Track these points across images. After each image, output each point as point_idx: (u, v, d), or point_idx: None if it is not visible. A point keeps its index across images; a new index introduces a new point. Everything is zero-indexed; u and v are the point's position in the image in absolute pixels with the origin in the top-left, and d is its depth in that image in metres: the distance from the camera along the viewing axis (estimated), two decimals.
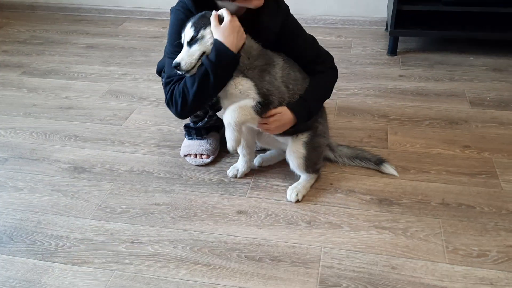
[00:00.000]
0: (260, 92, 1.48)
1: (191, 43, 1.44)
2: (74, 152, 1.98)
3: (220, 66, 1.43)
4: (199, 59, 1.45)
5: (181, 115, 1.57)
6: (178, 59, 1.44)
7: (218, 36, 1.42)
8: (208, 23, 1.44)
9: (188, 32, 1.44)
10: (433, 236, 1.50)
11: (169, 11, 1.61)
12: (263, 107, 1.50)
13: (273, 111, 1.53)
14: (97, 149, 1.99)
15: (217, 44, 1.42)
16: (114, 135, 2.08)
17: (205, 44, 1.44)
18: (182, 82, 1.51)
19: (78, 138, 2.07)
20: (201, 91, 1.48)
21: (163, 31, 3.24)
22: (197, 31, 1.43)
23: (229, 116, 1.49)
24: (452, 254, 1.43)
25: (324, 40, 3.02)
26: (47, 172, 1.86)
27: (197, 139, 1.89)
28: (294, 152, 1.64)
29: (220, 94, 1.53)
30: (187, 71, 1.45)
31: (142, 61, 2.83)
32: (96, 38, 3.21)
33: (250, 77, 1.48)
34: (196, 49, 1.44)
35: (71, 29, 3.38)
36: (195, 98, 1.49)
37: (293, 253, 1.46)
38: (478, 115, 2.15)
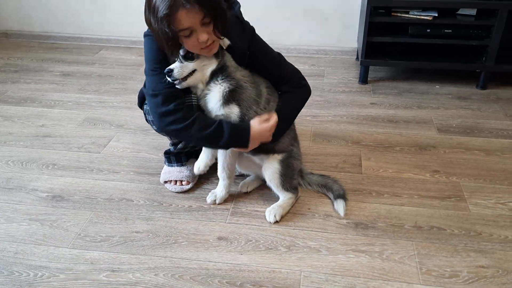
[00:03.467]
0: (241, 118, 1.57)
1: (186, 58, 1.50)
2: (52, 180, 1.96)
3: (234, 141, 1.57)
4: (190, 73, 1.52)
5: (162, 132, 1.69)
6: (171, 66, 1.50)
7: (256, 124, 1.55)
8: None
9: (183, 49, 1.50)
10: (407, 258, 1.56)
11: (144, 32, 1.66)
12: None
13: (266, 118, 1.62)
14: (76, 177, 1.99)
15: (247, 128, 1.55)
16: (92, 163, 2.08)
17: (200, 64, 1.52)
18: (193, 117, 1.53)
19: (55, 167, 2.06)
20: (203, 140, 1.59)
21: (140, 59, 3.28)
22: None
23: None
24: (425, 275, 1.49)
25: (298, 68, 3.11)
26: (25, 201, 1.84)
27: (177, 165, 1.91)
28: (269, 168, 1.72)
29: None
30: (176, 80, 1.51)
31: (119, 89, 2.86)
32: (72, 66, 3.21)
33: (241, 106, 1.56)
34: (190, 65, 1.51)
35: (46, 57, 3.38)
36: (192, 139, 1.59)
37: (273, 278, 1.48)
38: (445, 141, 2.26)
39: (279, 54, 1.76)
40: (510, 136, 2.29)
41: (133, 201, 1.84)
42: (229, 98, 1.54)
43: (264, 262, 1.54)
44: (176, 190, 1.88)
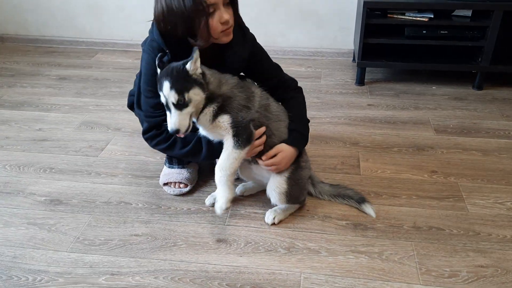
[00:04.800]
0: (234, 123, 1.52)
1: (179, 106, 1.43)
2: (49, 184, 1.96)
3: (213, 154, 1.62)
4: (190, 117, 1.47)
5: (155, 149, 1.73)
6: (174, 126, 1.43)
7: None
8: (191, 85, 1.43)
9: (171, 95, 1.41)
10: (406, 258, 1.56)
11: (141, 42, 1.67)
12: (244, 140, 1.53)
13: (272, 151, 1.62)
14: (74, 181, 1.98)
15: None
16: (90, 167, 2.08)
17: (194, 105, 1.45)
18: (172, 138, 1.65)
19: (53, 170, 2.05)
20: (187, 156, 1.69)
21: (137, 63, 3.28)
22: (181, 94, 1.41)
23: (219, 173, 1.54)
24: (425, 276, 1.49)
25: (294, 70, 3.13)
26: (22, 205, 1.83)
27: (178, 167, 1.91)
28: (276, 188, 1.67)
29: (198, 125, 1.58)
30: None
31: (116, 92, 2.85)
32: (68, 70, 3.21)
33: (229, 111, 1.53)
34: (188, 112, 1.44)
35: (42, 61, 3.37)
36: (177, 155, 1.74)
37: (273, 279, 1.48)
38: (443, 141, 2.27)
39: (277, 63, 1.80)
40: (507, 136, 2.31)
41: (131, 204, 1.84)
42: (217, 112, 1.51)
43: (264, 264, 1.54)
44: (175, 193, 1.88)
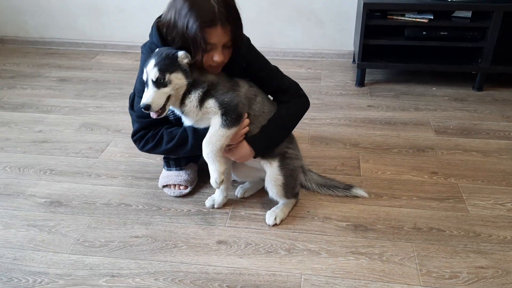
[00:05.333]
0: (222, 104, 1.52)
1: (157, 84, 1.44)
2: (49, 186, 1.96)
3: (200, 144, 1.57)
4: (166, 100, 1.48)
5: (144, 152, 1.73)
6: (147, 100, 1.44)
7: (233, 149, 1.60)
8: (176, 68, 1.45)
9: (152, 72, 1.44)
10: (407, 259, 1.56)
11: (141, 44, 1.68)
12: (232, 119, 1.53)
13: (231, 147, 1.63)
14: (74, 182, 1.98)
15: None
16: (90, 168, 2.08)
17: (174, 89, 1.47)
18: (159, 133, 1.65)
19: (53, 172, 2.05)
20: (173, 151, 1.68)
21: (137, 64, 3.28)
22: (163, 73, 1.43)
23: (206, 149, 1.54)
24: (426, 277, 1.49)
25: (294, 72, 3.13)
26: (22, 207, 1.83)
27: (176, 169, 1.91)
28: (272, 180, 1.69)
29: (183, 117, 1.60)
30: (154, 112, 1.48)
31: (116, 94, 2.85)
32: (68, 72, 3.21)
33: (215, 95, 1.53)
34: (164, 92, 1.46)
35: (42, 63, 3.38)
36: (165, 152, 1.72)
37: (274, 281, 1.48)
38: (443, 142, 2.27)
39: (275, 66, 1.77)
40: (507, 137, 2.31)
41: (131, 205, 1.84)
42: (203, 98, 1.52)
43: (264, 266, 1.54)
44: (175, 195, 1.88)
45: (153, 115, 1.49)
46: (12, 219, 1.76)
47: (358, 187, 1.87)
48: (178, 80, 1.47)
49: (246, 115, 1.59)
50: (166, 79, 1.45)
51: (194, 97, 1.52)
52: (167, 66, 1.45)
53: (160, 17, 1.59)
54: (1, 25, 3.71)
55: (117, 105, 2.69)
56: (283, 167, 1.69)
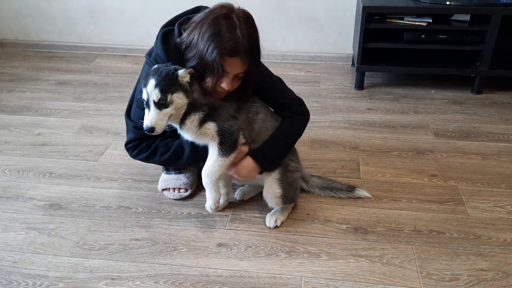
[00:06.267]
0: (220, 130, 1.53)
1: (159, 105, 1.43)
2: (49, 189, 1.95)
3: (197, 156, 1.62)
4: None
5: (136, 159, 1.74)
6: (150, 123, 1.43)
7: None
8: (177, 88, 1.44)
9: (153, 93, 1.42)
10: (407, 262, 1.56)
11: (141, 47, 1.67)
12: (227, 147, 1.54)
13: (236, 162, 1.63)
14: (73, 185, 1.98)
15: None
16: (90, 171, 2.08)
17: (175, 108, 1.46)
18: (154, 145, 1.68)
19: (53, 175, 2.05)
20: (167, 162, 1.73)
21: (136, 67, 3.28)
22: (164, 94, 1.42)
23: (205, 179, 1.59)
24: (426, 279, 1.49)
25: (294, 75, 3.14)
26: (22, 210, 1.83)
27: (175, 173, 1.91)
28: (270, 193, 1.68)
29: (182, 132, 1.59)
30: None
31: (116, 97, 2.85)
32: (68, 75, 3.21)
33: (216, 119, 1.53)
34: (167, 113, 1.45)
35: (42, 66, 3.38)
36: (158, 163, 1.74)
37: (274, 283, 1.48)
38: (442, 145, 2.27)
39: (279, 78, 1.76)
40: (506, 140, 2.31)
41: (131, 208, 1.83)
42: (204, 119, 1.52)
43: (265, 268, 1.54)
44: (175, 197, 1.88)
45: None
46: (11, 222, 1.76)
47: (361, 188, 1.87)
48: (179, 100, 1.46)
49: (243, 140, 1.60)
50: (168, 99, 1.43)
51: (195, 119, 1.52)
52: (168, 86, 1.42)
53: (165, 26, 1.61)
54: (1, 28, 3.71)
55: (117, 108, 2.69)
56: (282, 180, 1.68)
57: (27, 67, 3.35)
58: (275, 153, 1.67)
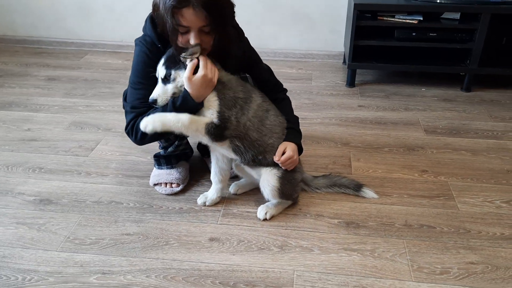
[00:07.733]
0: (220, 114, 1.54)
1: (164, 81, 1.55)
2: (39, 184, 1.93)
3: (184, 102, 1.55)
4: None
5: (139, 143, 1.69)
6: (154, 95, 1.55)
7: (188, 87, 1.52)
8: (180, 66, 1.53)
9: (161, 70, 1.55)
10: (398, 256, 1.57)
11: (132, 43, 1.69)
12: (216, 131, 1.55)
13: (280, 149, 1.66)
14: (63, 180, 1.96)
15: (184, 94, 1.53)
16: (80, 167, 2.06)
17: (177, 86, 1.55)
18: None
19: (42, 170, 2.03)
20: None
21: (127, 64, 3.27)
22: (169, 70, 1.53)
23: (156, 121, 1.53)
24: (417, 272, 1.50)
25: (286, 72, 3.14)
26: (11, 205, 1.80)
27: (167, 168, 1.90)
28: (267, 185, 1.68)
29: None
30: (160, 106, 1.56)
31: (106, 93, 2.83)
32: (57, 71, 3.18)
33: (221, 99, 1.55)
34: (170, 87, 1.55)
35: (31, 62, 3.34)
36: (156, 135, 1.64)
37: (266, 277, 1.48)
38: (433, 141, 2.29)
39: (267, 65, 1.85)
40: (495, 136, 2.34)
41: (122, 203, 1.82)
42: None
43: (257, 262, 1.54)
44: (167, 192, 1.87)
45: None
46: (0, 217, 1.74)
47: (368, 188, 1.86)
48: (180, 77, 1.53)
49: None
50: (172, 76, 1.53)
51: None
52: (172, 63, 1.53)
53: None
54: None
55: (107, 104, 2.67)
56: (282, 176, 1.68)
57: (16, 63, 3.31)
58: (299, 127, 1.80)
